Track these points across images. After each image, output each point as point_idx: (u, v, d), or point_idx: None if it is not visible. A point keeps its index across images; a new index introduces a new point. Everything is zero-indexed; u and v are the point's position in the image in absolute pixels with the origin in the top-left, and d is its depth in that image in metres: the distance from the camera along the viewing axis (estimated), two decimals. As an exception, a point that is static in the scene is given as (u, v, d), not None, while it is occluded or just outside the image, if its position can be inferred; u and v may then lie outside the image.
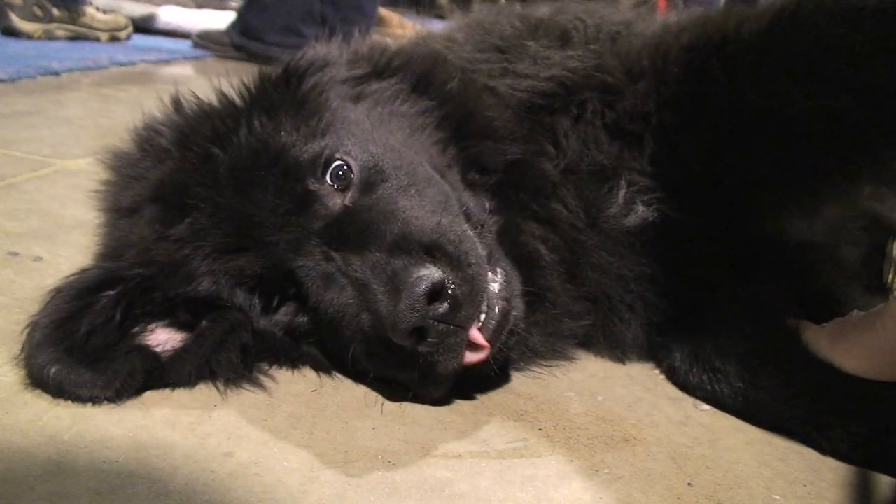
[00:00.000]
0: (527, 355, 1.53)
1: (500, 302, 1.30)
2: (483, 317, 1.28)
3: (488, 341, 1.27)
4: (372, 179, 1.39)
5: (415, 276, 1.18)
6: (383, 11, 6.50)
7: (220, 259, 1.35)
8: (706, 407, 1.49)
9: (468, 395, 1.43)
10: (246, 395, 1.36)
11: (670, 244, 1.55)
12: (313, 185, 1.36)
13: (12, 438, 1.16)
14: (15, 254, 1.78)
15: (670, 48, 1.53)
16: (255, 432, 1.25)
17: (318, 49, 1.72)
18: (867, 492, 1.27)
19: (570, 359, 1.59)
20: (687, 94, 1.49)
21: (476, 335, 1.26)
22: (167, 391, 1.35)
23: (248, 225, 1.35)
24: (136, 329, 1.37)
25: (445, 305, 1.20)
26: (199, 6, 7.68)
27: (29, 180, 2.34)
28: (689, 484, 1.23)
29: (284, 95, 1.51)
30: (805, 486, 1.27)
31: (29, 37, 5.39)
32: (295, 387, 1.41)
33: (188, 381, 1.36)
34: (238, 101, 1.52)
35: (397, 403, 1.38)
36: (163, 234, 1.37)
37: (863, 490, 1.28)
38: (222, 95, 1.53)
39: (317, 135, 1.42)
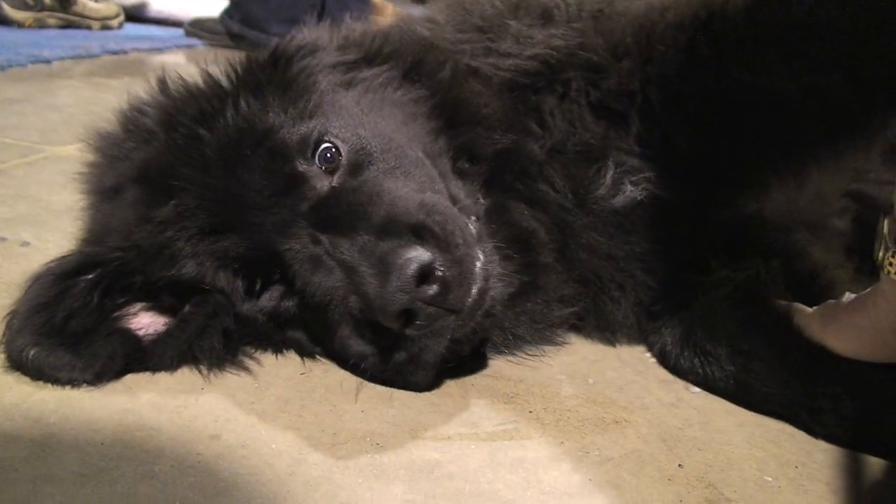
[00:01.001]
0: (515, 343, 1.51)
1: (478, 281, 1.28)
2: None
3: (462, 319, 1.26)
4: (359, 161, 1.38)
5: (403, 257, 1.17)
6: (377, 0, 6.47)
7: (204, 240, 1.34)
8: (697, 389, 1.49)
9: (457, 378, 1.42)
10: (233, 379, 1.35)
11: (659, 224, 1.55)
12: (301, 167, 1.35)
13: (-3, 421, 1.16)
14: (3, 239, 1.77)
15: (655, 25, 1.52)
16: (243, 415, 1.24)
17: (308, 33, 1.70)
18: (858, 473, 1.27)
19: (560, 344, 1.58)
20: (673, 71, 1.48)
21: None
22: (154, 375, 1.33)
23: (234, 206, 1.33)
24: (117, 313, 1.36)
25: (435, 287, 1.18)
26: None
27: (18, 166, 2.33)
28: (679, 465, 1.23)
29: (272, 77, 1.49)
30: (797, 467, 1.26)
31: (20, 25, 5.37)
32: (283, 370, 1.40)
33: (170, 366, 1.35)
34: (225, 82, 1.49)
35: (383, 387, 1.37)
36: (146, 216, 1.35)
37: (853, 471, 1.27)
38: (208, 76, 1.51)
39: (305, 116, 1.40)
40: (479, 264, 1.28)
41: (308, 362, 1.43)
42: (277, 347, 1.45)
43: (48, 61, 4.31)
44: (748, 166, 1.49)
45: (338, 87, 1.52)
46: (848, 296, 1.36)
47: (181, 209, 1.34)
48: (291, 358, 1.44)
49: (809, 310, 1.42)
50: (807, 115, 1.36)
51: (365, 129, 1.42)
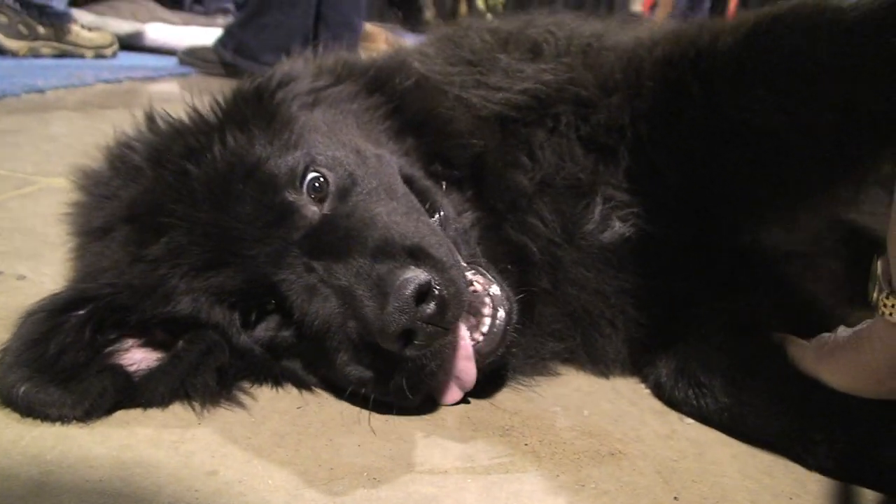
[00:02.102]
0: (509, 375, 1.52)
1: (504, 303, 1.34)
2: (488, 321, 1.34)
3: (493, 347, 1.34)
4: (345, 186, 1.41)
5: (401, 278, 1.19)
6: (369, 27, 6.52)
7: (198, 277, 1.35)
8: (691, 420, 1.49)
9: (453, 410, 1.43)
10: (229, 413, 1.36)
11: (649, 259, 1.56)
12: (291, 197, 1.37)
13: (-6, 459, 1.16)
14: (-1, 272, 1.78)
15: (643, 62, 1.54)
16: (239, 451, 1.25)
17: (287, 64, 1.75)
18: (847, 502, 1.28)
19: (553, 374, 1.59)
20: (662, 107, 1.49)
21: (467, 344, 1.31)
22: (150, 410, 1.34)
23: (226, 239, 1.34)
24: (109, 348, 1.37)
25: (433, 306, 1.20)
26: (186, 23, 7.68)
27: (12, 198, 2.33)
28: (675, 498, 1.23)
29: (256, 110, 1.52)
30: (791, 498, 1.27)
31: (14, 54, 5.39)
32: (279, 404, 1.40)
33: (161, 402, 1.35)
34: (211, 116, 1.52)
35: (383, 419, 1.37)
36: (138, 255, 1.36)
37: (846, 502, 1.28)
38: (195, 112, 1.54)
39: (290, 147, 1.43)
40: (496, 287, 1.35)
41: (305, 396, 1.43)
42: (275, 380, 1.46)
43: (42, 91, 4.32)
44: (739, 201, 1.50)
45: (305, 110, 1.56)
46: (843, 329, 1.36)
47: (173, 246, 1.35)
48: (287, 392, 1.44)
49: (804, 342, 1.42)
50: (798, 151, 1.37)
51: (342, 150, 1.46)
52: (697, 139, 1.46)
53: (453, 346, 1.31)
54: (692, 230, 1.54)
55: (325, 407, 1.40)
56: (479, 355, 1.35)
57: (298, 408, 1.39)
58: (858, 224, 1.73)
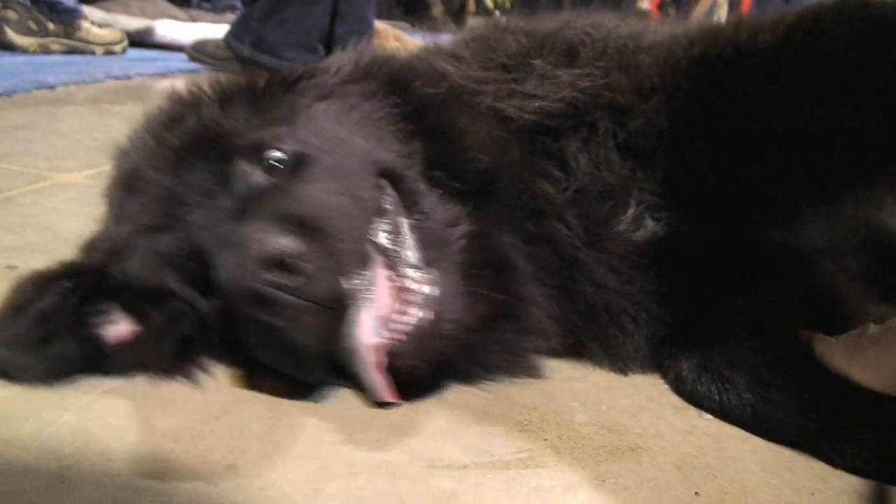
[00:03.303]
0: (484, 371, 1.50)
1: (436, 306, 1.30)
2: (411, 321, 1.28)
3: (411, 351, 1.29)
4: (300, 164, 1.40)
5: (254, 238, 1.20)
6: (378, 24, 6.50)
7: (147, 236, 1.39)
8: (710, 416, 1.48)
9: (471, 406, 1.42)
10: (248, 407, 1.35)
11: (679, 257, 1.54)
12: (242, 168, 1.39)
13: (13, 453, 1.15)
14: (13, 267, 1.77)
15: (680, 61, 1.52)
16: (258, 445, 1.24)
17: (328, 59, 1.79)
18: (876, 500, 1.26)
19: (534, 374, 1.55)
20: (699, 107, 1.47)
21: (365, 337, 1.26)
22: (171, 402, 1.33)
23: (174, 203, 1.37)
24: (94, 318, 1.38)
25: (290, 277, 1.18)
26: (194, 20, 7.69)
27: (25, 194, 2.33)
28: (696, 493, 1.22)
29: (245, 91, 1.59)
30: (812, 494, 1.26)
31: (24, 51, 5.40)
32: (296, 398, 1.40)
33: (125, 372, 1.38)
34: (202, 93, 1.58)
35: (401, 414, 1.37)
36: (119, 218, 1.44)
37: (870, 498, 1.27)
38: (195, 87, 1.60)
39: (267, 125, 1.46)
40: (427, 288, 1.30)
41: (323, 391, 1.42)
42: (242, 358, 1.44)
43: (52, 87, 4.33)
44: (776, 200, 1.48)
45: (314, 101, 1.58)
46: (873, 327, 1.35)
47: (137, 208, 1.41)
48: (305, 388, 1.43)
49: (832, 340, 1.41)
50: (838, 151, 1.35)
51: (321, 137, 1.47)
52: (735, 138, 1.44)
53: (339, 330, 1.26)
54: (724, 229, 1.53)
55: (342, 402, 1.40)
56: (397, 357, 1.30)
57: (316, 403, 1.39)
58: (886, 222, 1.71)
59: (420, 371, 1.34)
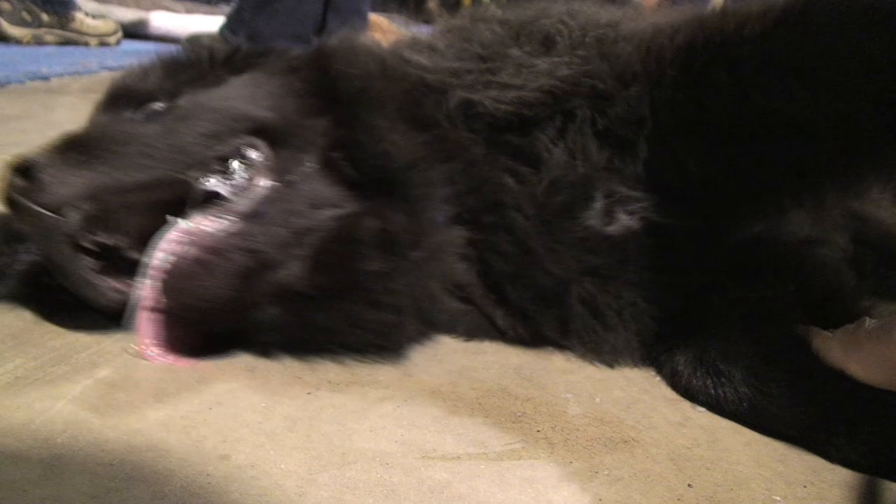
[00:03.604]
0: (326, 341, 1.51)
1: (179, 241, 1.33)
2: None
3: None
4: (168, 111, 1.56)
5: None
6: (373, 16, 6.48)
7: None
8: (703, 409, 1.48)
9: (464, 397, 1.42)
10: (242, 398, 1.35)
11: (663, 250, 1.53)
12: (126, 114, 1.59)
13: (4, 441, 1.15)
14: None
15: (664, 50, 1.49)
16: (251, 435, 1.24)
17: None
18: (872, 494, 1.27)
19: (393, 358, 1.55)
20: (684, 96, 1.45)
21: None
22: (161, 394, 1.33)
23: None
24: None
25: (25, 182, 1.30)
26: (188, 11, 7.67)
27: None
28: (689, 485, 1.23)
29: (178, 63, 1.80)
30: (805, 486, 1.26)
31: (18, 42, 5.38)
32: (290, 389, 1.40)
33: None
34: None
35: (394, 405, 1.37)
36: None
37: (862, 490, 1.27)
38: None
39: (173, 88, 1.65)
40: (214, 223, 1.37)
41: (316, 381, 1.43)
42: None
43: (46, 78, 4.32)
44: (762, 190, 1.47)
45: (231, 73, 1.73)
46: (870, 322, 1.34)
47: None
48: (299, 377, 1.44)
49: (828, 334, 1.41)
50: (828, 141, 1.33)
51: (205, 96, 1.61)
52: (722, 128, 1.42)
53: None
54: (710, 219, 1.52)
55: (336, 393, 1.40)
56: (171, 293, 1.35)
57: (309, 393, 1.39)
58: (874, 213, 1.71)
59: (193, 314, 1.38)
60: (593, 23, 1.66)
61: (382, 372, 1.49)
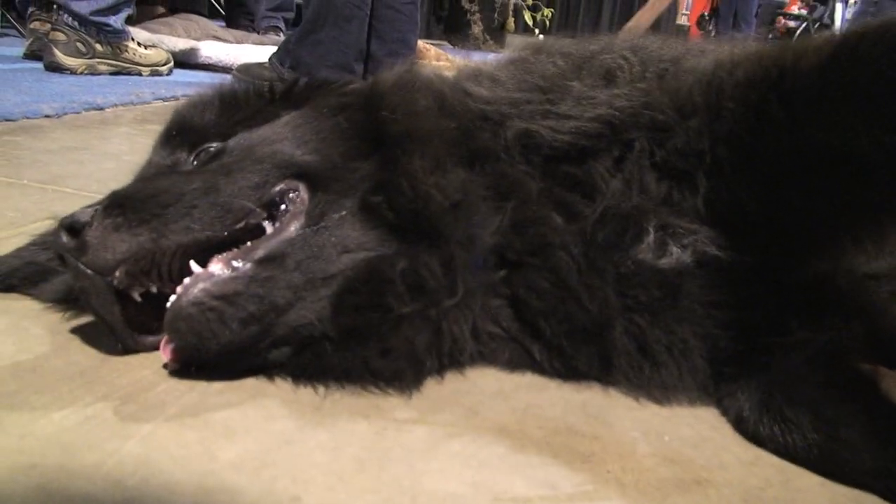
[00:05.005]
0: (342, 375, 1.52)
1: (194, 288, 1.40)
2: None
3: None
4: (213, 158, 1.60)
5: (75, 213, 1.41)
6: (419, 43, 6.51)
7: None
8: (775, 447, 1.45)
9: (532, 436, 1.40)
10: (310, 436, 1.34)
11: (718, 286, 1.50)
12: (183, 157, 1.70)
13: (77, 483, 1.15)
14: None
15: (724, 83, 1.48)
16: (321, 476, 1.23)
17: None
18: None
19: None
20: (743, 130, 1.43)
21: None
22: (233, 430, 1.33)
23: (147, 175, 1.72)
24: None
25: (72, 241, 1.39)
26: (238, 41, 7.75)
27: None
28: (765, 529, 1.20)
29: (236, 97, 1.83)
30: (882, 529, 1.23)
31: (72, 72, 5.45)
32: (357, 427, 1.39)
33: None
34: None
35: (462, 444, 1.36)
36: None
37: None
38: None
39: (226, 124, 1.73)
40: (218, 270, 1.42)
41: (383, 420, 1.41)
42: None
43: (101, 108, 4.38)
44: (822, 227, 1.44)
45: (283, 109, 1.76)
46: None
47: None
48: (365, 416, 1.42)
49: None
50: (885, 176, 1.30)
51: (251, 137, 1.64)
52: (779, 162, 1.40)
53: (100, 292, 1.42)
54: (769, 256, 1.48)
55: (403, 432, 1.39)
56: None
57: (376, 432, 1.38)
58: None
59: (203, 355, 1.44)
60: (655, 58, 1.66)
61: (448, 409, 1.47)
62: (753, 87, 1.43)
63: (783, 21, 16.27)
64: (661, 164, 1.53)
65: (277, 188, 1.54)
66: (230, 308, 1.40)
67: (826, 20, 16.66)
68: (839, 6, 16.56)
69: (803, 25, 16.42)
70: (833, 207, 1.41)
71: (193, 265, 1.42)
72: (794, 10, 17.02)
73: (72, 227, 1.38)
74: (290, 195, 1.54)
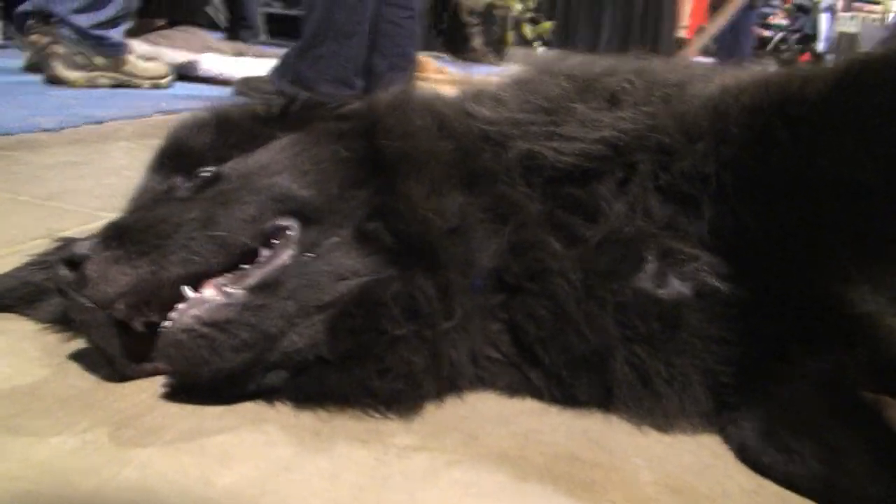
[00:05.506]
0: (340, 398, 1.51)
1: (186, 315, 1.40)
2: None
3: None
4: (208, 186, 1.57)
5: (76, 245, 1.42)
6: (420, 57, 6.51)
7: None
8: (777, 474, 1.44)
9: (534, 462, 1.39)
10: (308, 462, 1.33)
11: (719, 316, 1.49)
12: (178, 182, 1.66)
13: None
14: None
15: (730, 108, 1.47)
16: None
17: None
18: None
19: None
20: (748, 155, 1.42)
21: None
22: (230, 456, 1.32)
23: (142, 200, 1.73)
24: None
25: (72, 274, 1.39)
26: (238, 54, 7.75)
27: (79, 235, 2.33)
28: (768, 560, 1.19)
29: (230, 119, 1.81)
30: (889, 561, 1.22)
31: (71, 85, 5.44)
32: (356, 453, 1.38)
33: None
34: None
35: (462, 471, 1.34)
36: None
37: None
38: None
39: (224, 149, 1.70)
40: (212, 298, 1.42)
41: (383, 447, 1.40)
42: None
43: (100, 121, 4.36)
44: (827, 254, 1.43)
45: (280, 131, 1.74)
46: None
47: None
48: (364, 441, 1.41)
49: None
50: (891, 205, 1.29)
51: (249, 163, 1.62)
52: (784, 188, 1.39)
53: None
54: (772, 283, 1.47)
55: (402, 458, 1.37)
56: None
57: (375, 458, 1.36)
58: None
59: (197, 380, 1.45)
60: (661, 82, 1.64)
61: (448, 435, 1.46)
62: (759, 113, 1.42)
63: (756, 30, 16.16)
64: (665, 187, 1.52)
65: (273, 223, 1.53)
66: (221, 335, 1.39)
67: (808, 30, 16.66)
68: (823, 16, 16.57)
69: (779, 36, 16.41)
70: (837, 235, 1.39)
71: (187, 290, 1.42)
72: (776, 21, 16.97)
73: (71, 260, 1.39)
74: (287, 232, 1.53)
